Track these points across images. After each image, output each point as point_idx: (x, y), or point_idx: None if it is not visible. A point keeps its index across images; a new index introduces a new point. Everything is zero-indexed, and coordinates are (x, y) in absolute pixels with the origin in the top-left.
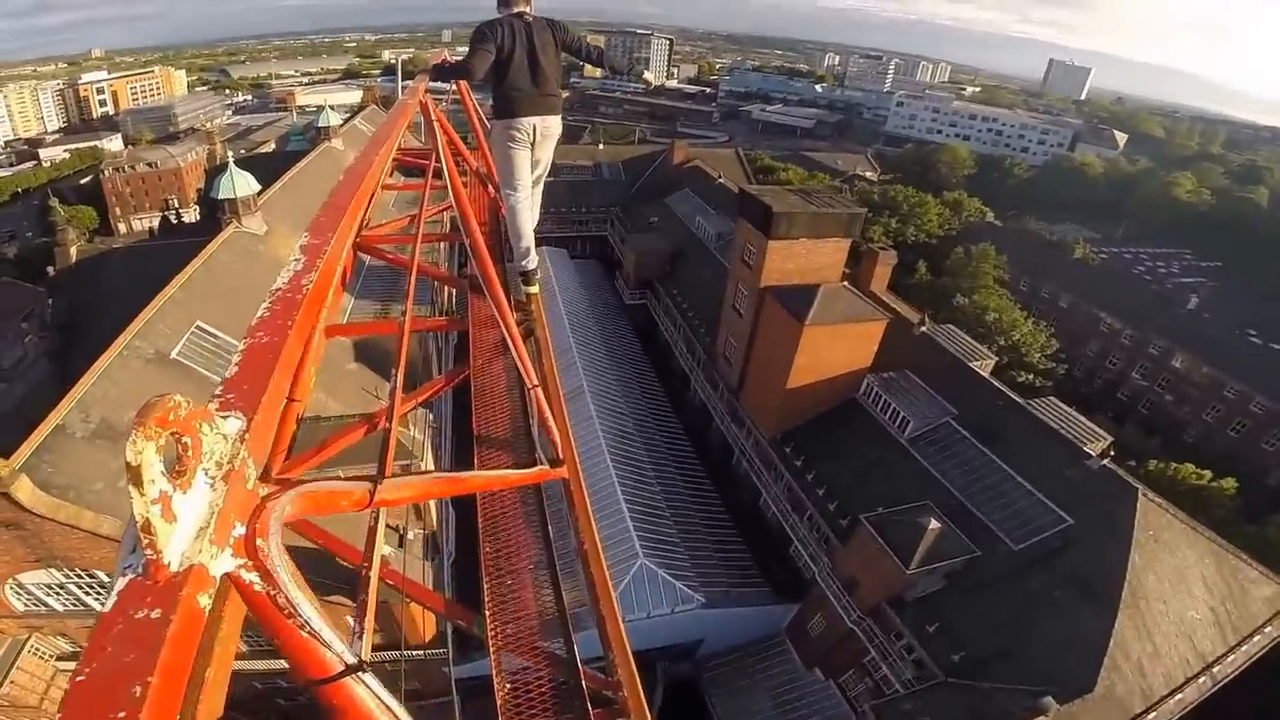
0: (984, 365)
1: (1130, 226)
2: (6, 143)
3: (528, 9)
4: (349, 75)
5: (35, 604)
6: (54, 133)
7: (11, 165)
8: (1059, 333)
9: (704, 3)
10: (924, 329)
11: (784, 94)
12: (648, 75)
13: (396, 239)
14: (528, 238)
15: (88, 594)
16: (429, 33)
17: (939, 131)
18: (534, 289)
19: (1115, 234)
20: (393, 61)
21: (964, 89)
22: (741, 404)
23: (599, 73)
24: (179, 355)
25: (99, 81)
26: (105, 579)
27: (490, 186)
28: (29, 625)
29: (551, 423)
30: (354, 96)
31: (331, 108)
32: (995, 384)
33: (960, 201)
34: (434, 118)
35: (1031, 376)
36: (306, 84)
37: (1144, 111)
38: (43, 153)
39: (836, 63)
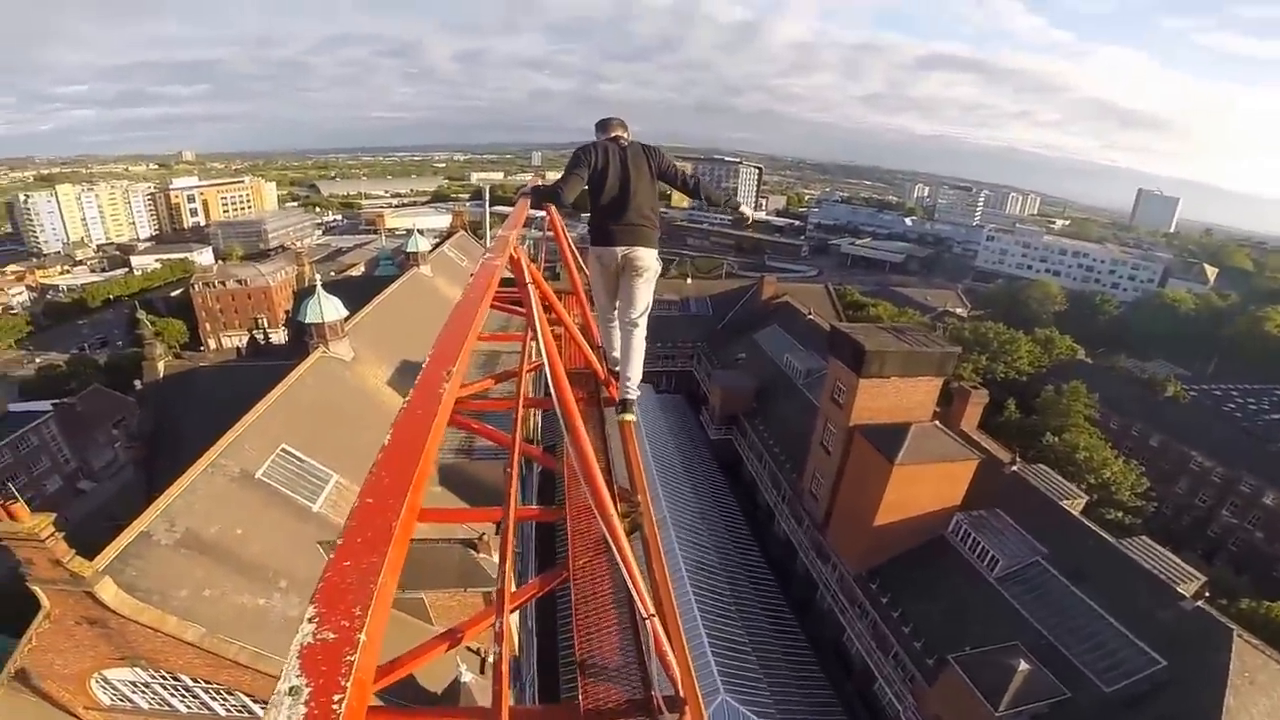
0: (1074, 504)
1: (1221, 363)
2: (99, 246)
3: (625, 134)
4: (438, 198)
5: (121, 699)
6: (145, 240)
7: (104, 271)
8: (1149, 471)
9: (791, 128)
10: (1014, 468)
11: (873, 227)
12: (744, 210)
13: (489, 404)
14: (617, 364)
15: (173, 695)
16: (518, 153)
17: (1029, 267)
18: (629, 416)
19: (1206, 370)
20: (481, 185)
21: (1053, 222)
22: (827, 539)
23: (687, 203)
24: (264, 475)
25: (190, 189)
26: (190, 683)
27: (589, 344)
28: None
29: (670, 656)
30: (443, 221)
31: (420, 232)
32: (1086, 523)
33: (1051, 339)
34: (527, 276)
35: (1122, 514)
36: (396, 205)
37: (1233, 243)
38: (134, 260)
39: (926, 194)
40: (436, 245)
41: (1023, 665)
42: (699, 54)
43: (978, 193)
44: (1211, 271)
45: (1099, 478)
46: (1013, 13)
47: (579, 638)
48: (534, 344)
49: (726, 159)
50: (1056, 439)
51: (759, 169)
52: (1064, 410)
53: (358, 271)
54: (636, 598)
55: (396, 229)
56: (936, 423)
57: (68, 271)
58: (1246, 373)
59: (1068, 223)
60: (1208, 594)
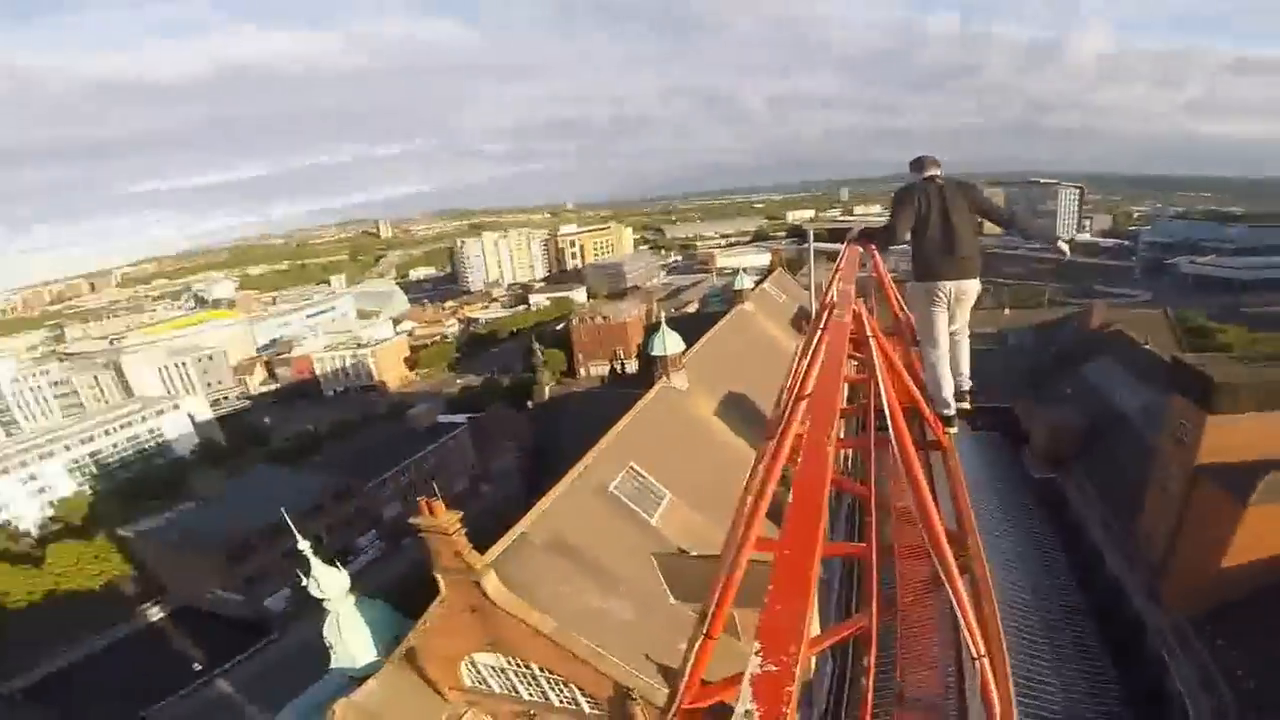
0: None
1: None
2: (509, 285)
3: (938, 173)
4: (759, 237)
5: (480, 682)
6: (539, 280)
7: (511, 307)
8: None
9: (1109, 144)
10: None
11: (1218, 242)
12: (1062, 245)
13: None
14: (946, 388)
15: (521, 682)
16: (826, 190)
17: None
18: (966, 405)
19: None
20: (795, 223)
21: None
22: (1162, 585)
23: (999, 229)
24: (614, 489)
25: (570, 235)
26: (536, 671)
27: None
28: (470, 700)
29: (995, 696)
30: (764, 259)
31: (744, 270)
32: None
33: None
34: (868, 329)
35: None
36: (724, 245)
37: None
38: (531, 298)
39: None
40: (758, 283)
41: None
42: (996, 77)
43: None
44: None
45: None
46: None
47: (903, 670)
48: (865, 386)
49: (1041, 181)
50: None
51: (1079, 189)
52: None
53: (693, 308)
54: (968, 638)
55: (724, 268)
56: None
57: (486, 307)
58: None
59: None
60: None
